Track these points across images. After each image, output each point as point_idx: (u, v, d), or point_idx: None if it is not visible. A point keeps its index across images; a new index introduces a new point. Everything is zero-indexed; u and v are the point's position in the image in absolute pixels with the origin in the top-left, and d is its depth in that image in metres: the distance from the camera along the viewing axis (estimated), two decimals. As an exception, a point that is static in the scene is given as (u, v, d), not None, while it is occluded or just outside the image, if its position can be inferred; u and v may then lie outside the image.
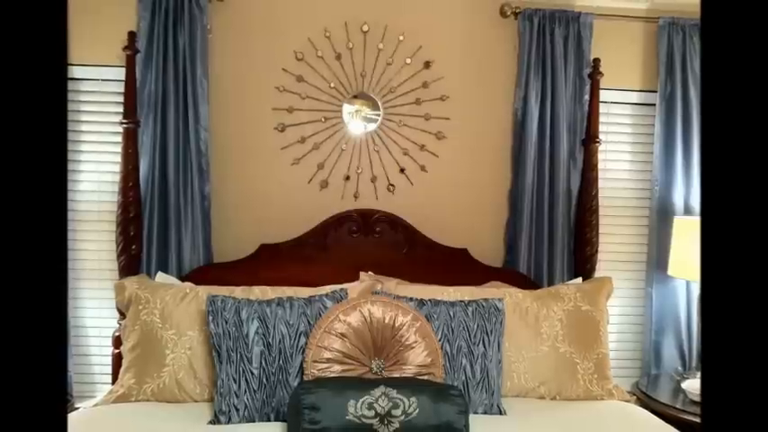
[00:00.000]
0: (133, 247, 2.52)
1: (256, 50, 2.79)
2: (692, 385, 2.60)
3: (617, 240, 3.00)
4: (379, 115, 2.83)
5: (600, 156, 2.81)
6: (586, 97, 2.83)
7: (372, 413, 1.81)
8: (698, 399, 2.50)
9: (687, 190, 2.93)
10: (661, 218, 2.92)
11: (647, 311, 2.98)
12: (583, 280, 2.72)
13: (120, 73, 2.56)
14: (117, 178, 2.55)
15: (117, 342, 2.44)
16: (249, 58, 2.79)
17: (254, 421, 2.06)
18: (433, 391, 1.91)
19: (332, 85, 2.82)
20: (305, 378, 2.05)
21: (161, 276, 2.56)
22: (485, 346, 2.23)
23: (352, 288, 2.43)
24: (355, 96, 2.83)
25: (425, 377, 2.07)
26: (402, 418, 1.82)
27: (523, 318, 2.41)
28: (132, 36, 2.52)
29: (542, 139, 2.83)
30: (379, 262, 2.66)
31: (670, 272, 2.85)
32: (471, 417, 1.94)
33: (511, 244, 2.87)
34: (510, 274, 2.76)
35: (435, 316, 2.24)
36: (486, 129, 2.90)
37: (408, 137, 2.86)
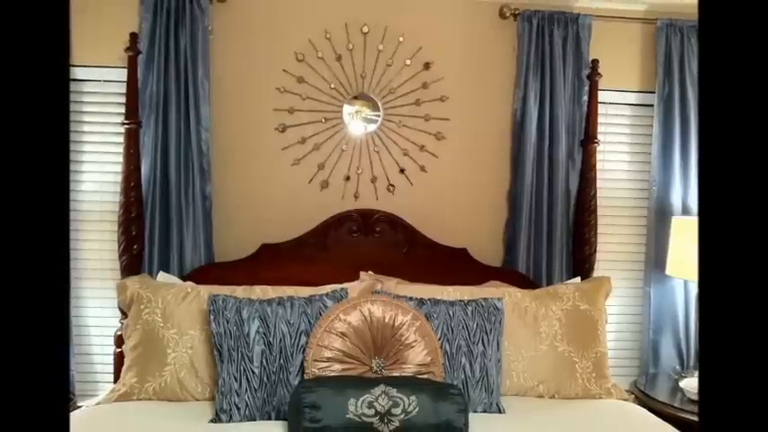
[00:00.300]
0: (135, 246, 2.53)
1: (257, 51, 2.80)
2: (690, 384, 2.61)
3: (615, 240, 3.01)
4: (379, 116, 2.84)
5: (598, 156, 2.82)
6: (585, 98, 2.84)
7: (372, 412, 1.82)
8: (696, 397, 2.51)
9: (685, 190, 2.94)
10: (659, 218, 2.93)
11: (645, 311, 2.99)
12: (581, 279, 2.73)
13: (122, 74, 2.57)
14: (119, 178, 2.56)
15: (119, 341, 2.45)
16: (250, 59, 2.80)
17: (255, 420, 2.06)
18: (432, 390, 1.92)
19: (332, 85, 2.83)
20: (305, 377, 2.06)
21: (162, 276, 2.57)
22: (484, 346, 2.24)
23: (353, 288, 2.44)
24: (355, 97, 2.84)
25: (425, 376, 2.08)
26: (402, 416, 1.83)
27: (522, 317, 2.42)
28: (134, 37, 2.53)
29: (541, 139, 2.84)
30: (379, 262, 2.66)
31: (668, 271, 2.86)
32: (471, 415, 1.95)
33: (510, 244, 2.88)
34: (509, 274, 2.77)
35: (435, 315, 2.25)
36: (486, 129, 2.90)
37: (408, 137, 2.87)
